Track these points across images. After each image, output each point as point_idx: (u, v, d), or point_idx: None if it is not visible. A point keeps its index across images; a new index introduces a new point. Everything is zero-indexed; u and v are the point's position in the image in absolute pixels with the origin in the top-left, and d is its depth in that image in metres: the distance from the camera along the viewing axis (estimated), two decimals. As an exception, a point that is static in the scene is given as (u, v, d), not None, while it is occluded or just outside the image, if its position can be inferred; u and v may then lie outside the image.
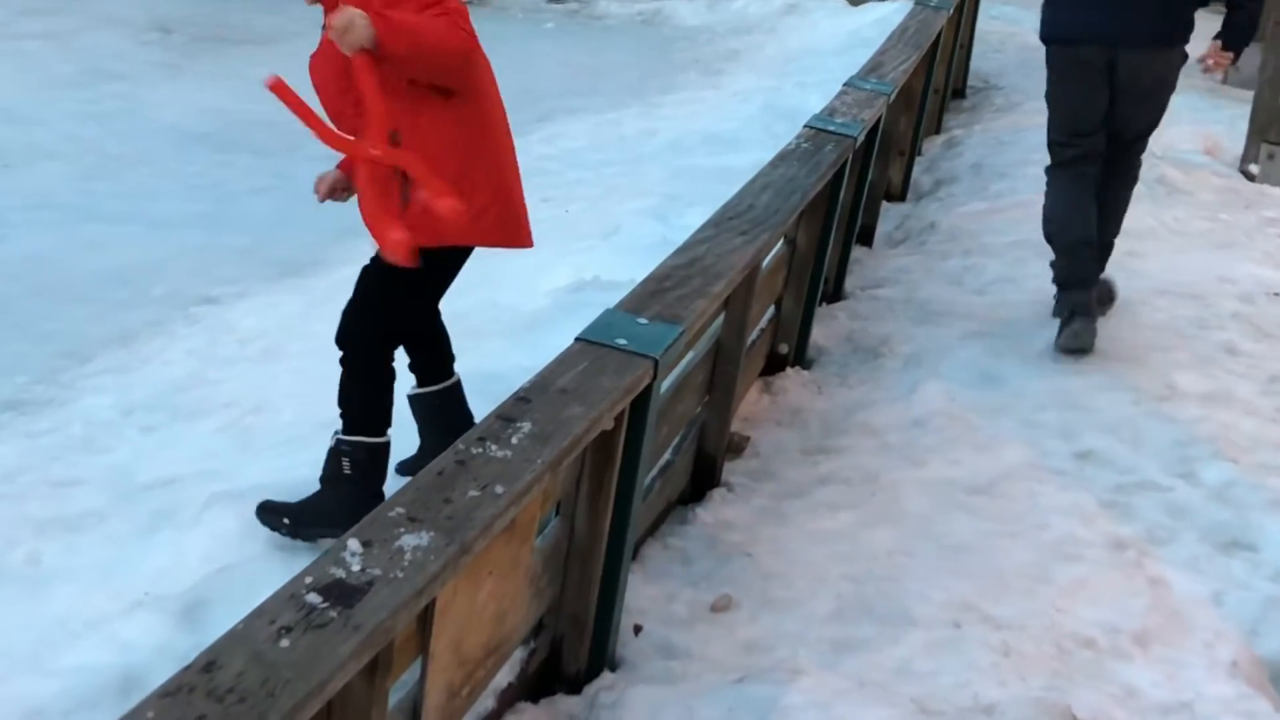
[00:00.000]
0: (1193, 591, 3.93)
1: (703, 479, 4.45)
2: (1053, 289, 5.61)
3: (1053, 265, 5.58)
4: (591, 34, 14.09)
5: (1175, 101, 10.20)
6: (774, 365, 5.41)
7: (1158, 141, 8.99)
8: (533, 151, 9.45)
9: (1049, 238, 5.57)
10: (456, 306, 6.05)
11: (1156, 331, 5.80)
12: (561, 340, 3.24)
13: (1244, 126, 9.14)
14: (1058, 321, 5.52)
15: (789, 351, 5.44)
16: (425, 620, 2.44)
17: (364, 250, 7.19)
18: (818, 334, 5.69)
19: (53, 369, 5.39)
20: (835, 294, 6.32)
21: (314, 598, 2.10)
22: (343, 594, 2.12)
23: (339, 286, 6.55)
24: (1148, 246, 6.88)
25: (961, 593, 3.76)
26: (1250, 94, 9.34)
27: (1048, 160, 5.67)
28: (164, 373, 5.45)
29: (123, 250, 6.86)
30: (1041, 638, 3.59)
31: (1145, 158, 7.50)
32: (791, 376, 5.38)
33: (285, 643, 1.99)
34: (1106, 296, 5.84)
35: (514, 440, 2.66)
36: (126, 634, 3.18)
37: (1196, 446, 4.77)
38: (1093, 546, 4.10)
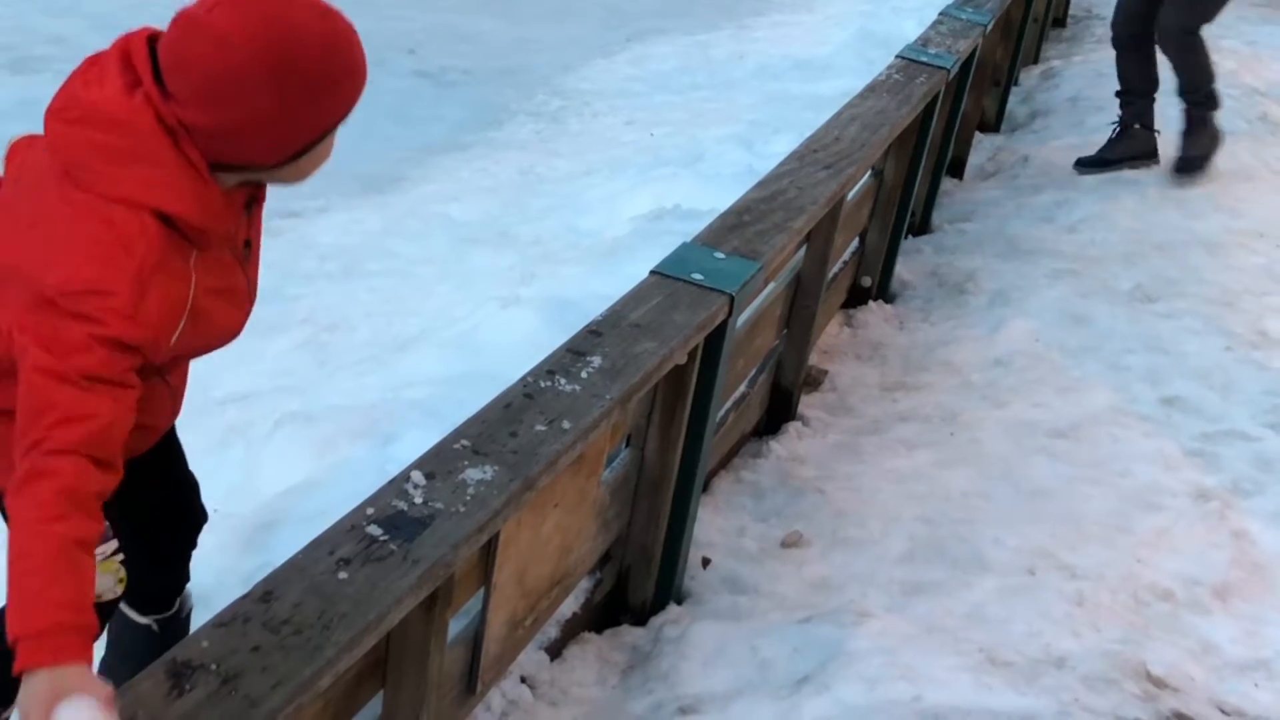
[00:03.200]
0: (1277, 546, 3.83)
1: (778, 412, 4.40)
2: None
3: (1208, 101, 6.47)
4: (685, -48, 13.90)
5: (1276, 35, 9.96)
6: (856, 298, 5.33)
7: (1260, 77, 8.76)
8: (620, 72, 9.40)
9: (1212, 90, 6.48)
10: (536, 230, 6.05)
11: (1252, 275, 5.64)
12: (640, 269, 3.20)
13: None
14: (1143, 263, 5.65)
15: (872, 285, 5.35)
16: (488, 552, 2.42)
17: (445, 169, 7.24)
18: (902, 267, 5.60)
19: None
20: (922, 227, 6.21)
21: (374, 529, 2.09)
22: (404, 526, 2.11)
23: (419, 204, 6.57)
24: (1247, 188, 6.68)
25: (1037, 539, 3.69)
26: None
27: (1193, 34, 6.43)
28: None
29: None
30: (1118, 588, 3.52)
31: (1246, 94, 7.50)
32: (873, 310, 5.30)
33: (344, 575, 1.98)
34: None
35: (583, 374, 2.62)
36: (196, 551, 3.20)
37: (1288, 396, 4.65)
38: (1175, 496, 4.01)
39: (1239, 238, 6.01)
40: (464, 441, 2.37)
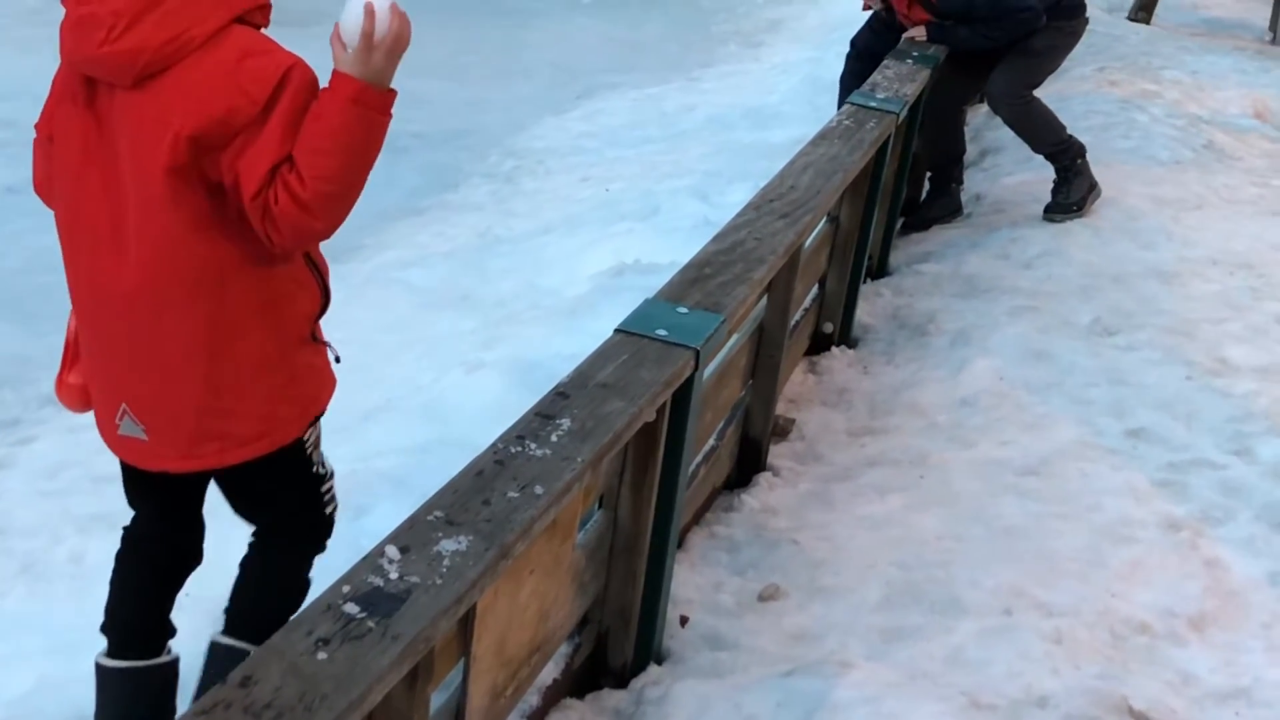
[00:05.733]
0: (1249, 572, 3.86)
1: (748, 464, 4.40)
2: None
3: (1072, 149, 6.59)
4: (630, 6, 13.98)
5: (1222, 64, 10.12)
6: (819, 345, 5.35)
7: (1203, 105, 8.89)
8: (572, 129, 9.44)
9: (1063, 140, 6.59)
10: (498, 291, 6.05)
11: (1208, 303, 5.70)
12: (602, 326, 3.19)
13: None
14: (1100, 296, 5.72)
15: (834, 330, 5.38)
16: (466, 624, 2.41)
17: (402, 235, 7.24)
18: (863, 311, 5.62)
19: (95, 361, 5.38)
20: (880, 270, 6.25)
21: (351, 607, 2.06)
22: (381, 603, 2.08)
23: (378, 271, 6.57)
24: (1198, 216, 6.77)
25: (1012, 578, 3.69)
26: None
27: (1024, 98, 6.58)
28: (205, 362, 5.42)
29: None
30: (1095, 624, 3.53)
31: (1191, 123, 7.62)
32: (837, 356, 5.32)
33: (323, 655, 1.96)
34: None
35: (553, 438, 2.61)
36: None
37: (1251, 422, 4.69)
38: (1146, 527, 4.03)
39: (1193, 266, 6.08)
40: (437, 513, 2.35)
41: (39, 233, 6.89)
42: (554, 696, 3.12)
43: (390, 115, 2.48)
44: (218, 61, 2.42)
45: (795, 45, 11.94)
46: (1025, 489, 4.21)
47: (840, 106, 6.51)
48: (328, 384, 2.87)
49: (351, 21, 2.42)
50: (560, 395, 2.79)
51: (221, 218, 2.49)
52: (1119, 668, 3.36)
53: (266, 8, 2.58)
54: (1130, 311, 5.56)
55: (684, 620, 3.56)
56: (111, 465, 4.36)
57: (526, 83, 10.57)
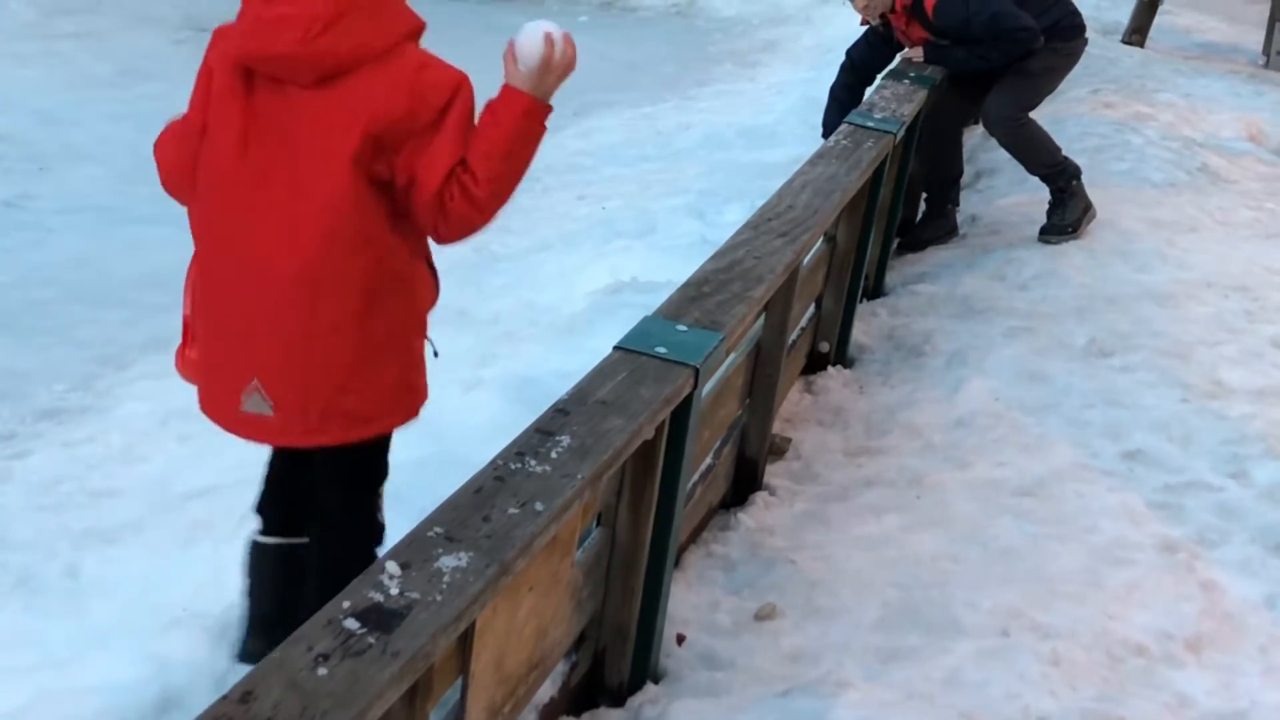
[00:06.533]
0: (1246, 595, 3.86)
1: (744, 483, 4.39)
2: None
3: (1067, 170, 6.61)
4: (626, 26, 14.03)
5: (1216, 87, 10.15)
6: (815, 364, 5.35)
7: (1197, 129, 8.92)
8: (568, 147, 9.45)
9: (1059, 162, 6.60)
10: (494, 308, 6.04)
11: (1203, 326, 5.71)
12: (599, 344, 3.19)
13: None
14: (1095, 317, 5.74)
15: (830, 350, 5.38)
16: (465, 641, 2.40)
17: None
18: (859, 331, 5.63)
19: (90, 376, 5.36)
20: (876, 290, 6.26)
21: (352, 623, 2.05)
22: (381, 619, 2.07)
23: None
24: (1192, 238, 6.79)
25: (1009, 599, 3.69)
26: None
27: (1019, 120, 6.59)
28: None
29: (161, 252, 6.74)
30: (1092, 645, 3.52)
31: (1185, 146, 7.66)
32: (833, 375, 5.32)
33: (323, 671, 1.95)
34: None
35: (553, 455, 2.61)
36: (164, 651, 3.15)
37: (1247, 444, 4.69)
38: (1143, 549, 4.03)
39: (1188, 288, 6.09)
40: (437, 529, 2.34)
41: (34, 248, 6.92)
42: (551, 715, 3.11)
43: (546, 129, 2.83)
44: (399, 69, 2.74)
45: (791, 65, 11.96)
46: (1022, 510, 4.21)
47: (828, 116, 6.57)
48: (425, 375, 3.11)
49: (530, 45, 2.77)
50: (560, 412, 2.79)
51: (383, 210, 2.79)
52: (1116, 689, 3.35)
53: (423, 29, 2.88)
54: (1126, 333, 5.56)
55: (680, 639, 3.55)
56: (107, 480, 4.39)
57: (521, 100, 10.58)
